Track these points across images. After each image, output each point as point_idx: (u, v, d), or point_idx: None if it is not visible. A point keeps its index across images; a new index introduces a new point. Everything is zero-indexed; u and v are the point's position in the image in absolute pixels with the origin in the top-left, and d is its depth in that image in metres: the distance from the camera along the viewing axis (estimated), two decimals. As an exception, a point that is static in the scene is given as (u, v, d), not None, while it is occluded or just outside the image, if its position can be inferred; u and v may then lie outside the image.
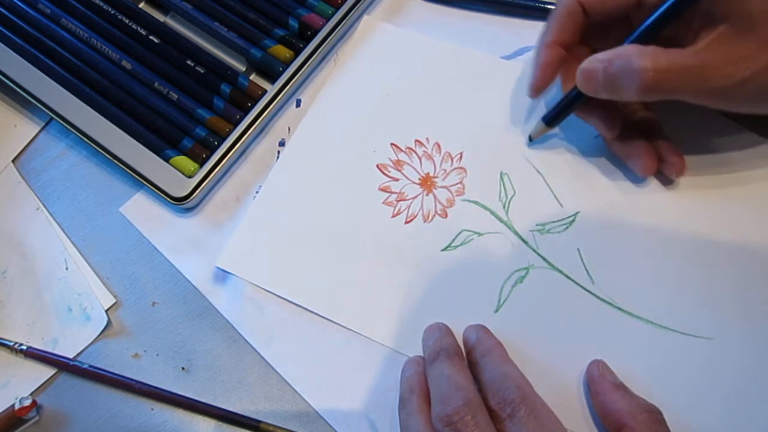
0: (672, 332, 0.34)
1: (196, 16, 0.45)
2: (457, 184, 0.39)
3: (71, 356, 0.39)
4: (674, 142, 0.36)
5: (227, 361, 0.37)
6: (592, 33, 0.36)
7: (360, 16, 0.45)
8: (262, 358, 0.37)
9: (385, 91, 0.42)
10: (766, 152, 0.37)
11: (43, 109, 0.42)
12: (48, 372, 0.39)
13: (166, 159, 0.41)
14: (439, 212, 0.39)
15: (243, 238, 0.39)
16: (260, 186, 0.41)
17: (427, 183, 0.40)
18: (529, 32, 0.43)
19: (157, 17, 0.46)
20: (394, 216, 0.39)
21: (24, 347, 0.39)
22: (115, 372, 0.38)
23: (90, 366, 0.38)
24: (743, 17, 0.29)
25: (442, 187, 0.39)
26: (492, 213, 0.38)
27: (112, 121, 0.42)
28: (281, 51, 0.43)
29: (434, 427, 0.29)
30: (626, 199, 0.37)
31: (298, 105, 0.43)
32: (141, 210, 0.42)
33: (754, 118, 0.35)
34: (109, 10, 0.45)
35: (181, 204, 0.40)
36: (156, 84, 0.43)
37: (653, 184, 0.38)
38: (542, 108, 0.40)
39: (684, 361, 0.34)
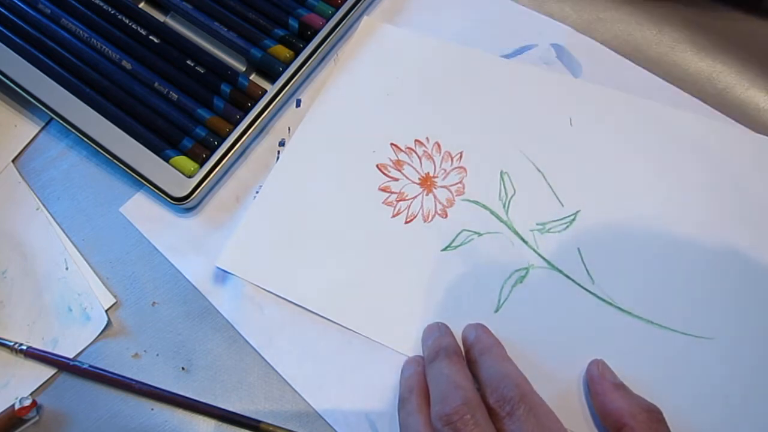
0: (672, 332, 0.34)
1: (196, 16, 0.45)
2: (457, 183, 0.39)
3: (71, 356, 0.39)
4: (673, 142, 0.36)
5: (227, 361, 0.37)
6: None
7: (360, 17, 0.45)
8: (262, 358, 0.37)
9: (385, 91, 0.42)
10: (766, 151, 0.37)
11: (43, 109, 0.42)
12: (48, 372, 0.39)
13: (166, 159, 0.41)
14: (439, 212, 0.39)
15: (243, 238, 0.39)
16: (260, 186, 0.41)
17: (427, 183, 0.40)
18: (529, 32, 0.43)
19: (157, 17, 0.46)
20: (394, 216, 0.39)
21: (24, 347, 0.39)
22: (115, 372, 0.38)
23: (90, 366, 0.38)
24: None
25: (442, 186, 0.39)
26: (492, 213, 0.38)
27: (112, 121, 0.42)
28: (281, 51, 0.43)
29: (433, 426, 0.29)
30: (627, 198, 0.37)
31: (298, 105, 0.43)
32: (141, 210, 0.42)
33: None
34: (109, 10, 0.45)
35: (181, 204, 0.40)
36: (156, 84, 0.43)
37: (653, 183, 0.38)
38: (538, 109, 0.40)
39: (684, 361, 0.34)
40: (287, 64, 0.42)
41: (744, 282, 0.35)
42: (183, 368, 0.38)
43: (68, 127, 0.42)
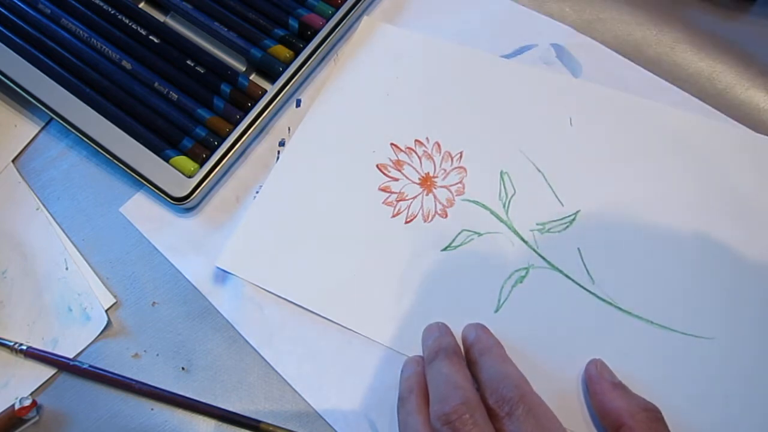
0: (672, 332, 0.34)
1: (196, 16, 0.45)
2: (457, 183, 0.39)
3: (71, 356, 0.39)
4: (673, 142, 0.36)
5: (227, 361, 0.37)
6: None
7: (360, 16, 0.45)
8: (262, 358, 0.37)
9: (385, 91, 0.42)
10: (766, 151, 0.37)
11: (43, 109, 0.42)
12: (48, 372, 0.39)
13: (166, 159, 0.41)
14: (439, 212, 0.39)
15: (243, 238, 0.39)
16: (260, 186, 0.41)
17: (427, 183, 0.40)
18: (529, 32, 0.43)
19: (157, 17, 0.46)
20: (394, 216, 0.39)
21: (24, 347, 0.39)
22: (115, 372, 0.38)
23: (90, 366, 0.38)
24: None
25: (442, 186, 0.39)
26: (492, 213, 0.38)
27: (112, 121, 0.42)
28: (281, 51, 0.43)
29: (433, 426, 0.29)
30: (627, 198, 0.37)
31: (298, 105, 0.43)
32: (141, 210, 0.42)
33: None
34: (109, 10, 0.45)
35: (181, 204, 0.40)
36: (156, 84, 0.43)
37: (654, 183, 0.38)
38: (537, 109, 0.40)
39: (684, 361, 0.34)
40: (287, 64, 0.42)
41: (744, 282, 0.35)
42: (183, 368, 0.38)
43: (68, 127, 0.42)
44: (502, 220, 0.38)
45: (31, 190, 0.44)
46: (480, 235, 0.38)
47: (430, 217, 0.39)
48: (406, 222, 0.39)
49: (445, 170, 0.40)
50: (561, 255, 0.36)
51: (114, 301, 0.40)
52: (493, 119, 0.40)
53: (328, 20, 0.43)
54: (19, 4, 0.46)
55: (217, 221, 0.41)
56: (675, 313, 0.35)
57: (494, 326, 0.35)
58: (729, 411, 0.32)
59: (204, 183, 0.40)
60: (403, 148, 0.41)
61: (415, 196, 0.39)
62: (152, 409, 0.37)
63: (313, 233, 0.39)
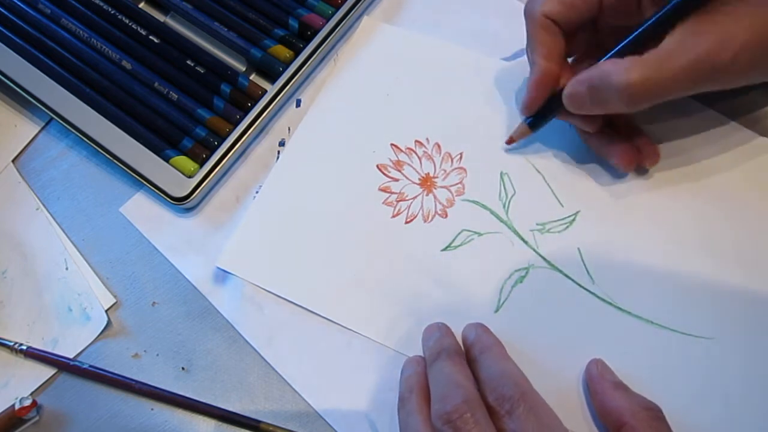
0: (672, 332, 0.34)
1: (196, 16, 0.45)
2: (457, 184, 0.39)
3: (71, 356, 0.39)
4: (673, 143, 0.36)
5: (227, 361, 0.37)
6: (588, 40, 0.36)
7: (360, 17, 0.45)
8: (262, 358, 0.37)
9: (385, 91, 0.42)
10: (765, 151, 0.37)
11: (43, 109, 0.42)
12: (48, 372, 0.39)
13: (166, 159, 0.41)
14: (439, 212, 0.39)
15: (243, 238, 0.39)
16: (260, 186, 0.41)
17: (427, 183, 0.40)
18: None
19: (157, 17, 0.46)
20: (394, 216, 0.39)
21: (24, 347, 0.39)
22: (115, 372, 0.38)
23: (90, 366, 0.38)
24: None
25: (442, 187, 0.39)
26: (492, 213, 0.38)
27: (112, 121, 0.42)
28: (281, 51, 0.43)
29: (433, 425, 0.29)
30: (627, 198, 0.37)
31: (298, 105, 0.43)
32: (141, 210, 0.42)
33: (720, 95, 0.34)
34: (109, 10, 0.45)
35: (181, 204, 0.40)
36: (156, 84, 0.43)
37: (654, 183, 0.38)
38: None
39: (684, 361, 0.34)
40: (287, 64, 0.42)
41: (744, 282, 0.35)
42: (183, 368, 0.38)
43: (68, 127, 0.42)
44: (502, 220, 0.38)
45: (31, 190, 0.44)
46: (480, 235, 0.38)
47: (430, 218, 0.39)
48: (406, 222, 0.39)
49: (445, 171, 0.40)
50: (561, 255, 0.36)
51: (114, 301, 0.40)
52: (493, 120, 0.40)
53: (328, 20, 0.43)
54: (19, 4, 0.46)
55: (217, 221, 0.41)
56: (675, 313, 0.35)
57: (494, 326, 0.35)
58: (729, 410, 0.32)
59: (204, 183, 0.40)
60: (403, 149, 0.41)
61: (415, 197, 0.39)
62: (152, 409, 0.37)
63: (313, 233, 0.39)
